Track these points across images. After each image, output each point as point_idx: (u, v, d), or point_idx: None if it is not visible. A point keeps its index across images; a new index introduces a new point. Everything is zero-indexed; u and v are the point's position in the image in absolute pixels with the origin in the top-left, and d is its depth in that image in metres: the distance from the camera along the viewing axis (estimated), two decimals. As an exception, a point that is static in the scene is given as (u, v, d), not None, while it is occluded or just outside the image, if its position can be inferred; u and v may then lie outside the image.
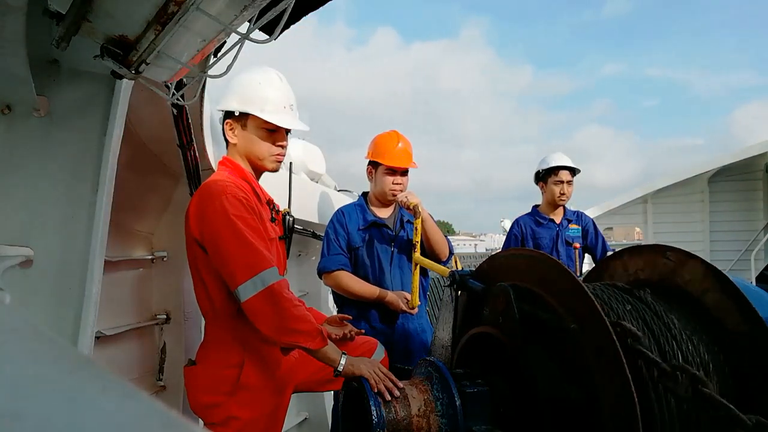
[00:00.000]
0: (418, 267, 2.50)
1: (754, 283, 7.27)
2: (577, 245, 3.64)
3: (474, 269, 1.75)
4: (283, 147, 1.90)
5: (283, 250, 2.01)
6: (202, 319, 1.89)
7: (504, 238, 4.20)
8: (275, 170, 1.95)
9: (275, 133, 1.87)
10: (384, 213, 2.87)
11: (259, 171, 1.93)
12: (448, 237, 2.89)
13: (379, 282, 2.73)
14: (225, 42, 1.32)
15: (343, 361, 1.65)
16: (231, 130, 1.87)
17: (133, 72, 1.22)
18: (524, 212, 3.92)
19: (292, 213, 2.31)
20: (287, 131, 1.91)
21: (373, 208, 2.87)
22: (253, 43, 1.16)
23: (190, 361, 1.83)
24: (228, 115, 1.87)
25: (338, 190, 4.50)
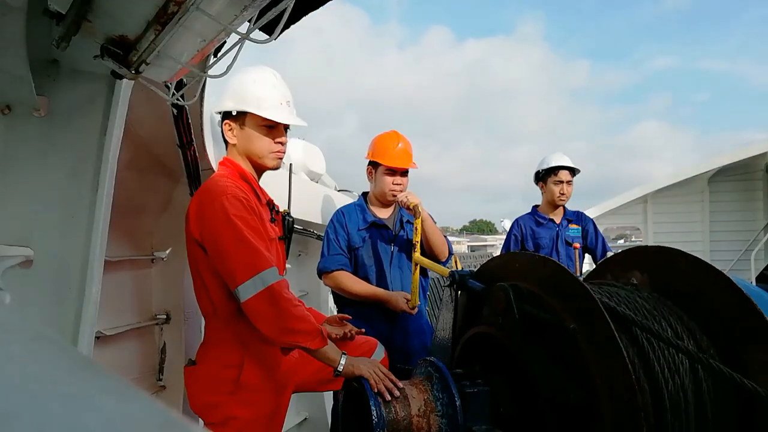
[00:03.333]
0: (418, 267, 2.50)
1: (754, 283, 7.27)
2: (577, 245, 3.64)
3: (475, 269, 1.75)
4: (282, 144, 1.91)
5: (282, 250, 2.01)
6: (202, 319, 1.89)
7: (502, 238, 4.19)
8: (276, 168, 1.95)
9: (274, 130, 1.87)
10: (384, 213, 2.87)
11: (260, 170, 1.94)
12: (447, 238, 2.89)
13: (379, 282, 2.73)
14: (225, 42, 1.32)
15: (343, 361, 1.65)
16: (230, 130, 1.88)
17: (133, 72, 1.22)
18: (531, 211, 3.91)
19: (292, 213, 2.31)
20: (286, 128, 1.91)
21: (372, 209, 2.87)
22: (253, 43, 1.16)
23: (190, 360, 1.83)
24: (226, 116, 1.88)
25: (338, 190, 4.50)
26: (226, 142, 1.91)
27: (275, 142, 1.88)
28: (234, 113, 1.85)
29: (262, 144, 1.86)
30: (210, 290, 1.75)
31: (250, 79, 1.86)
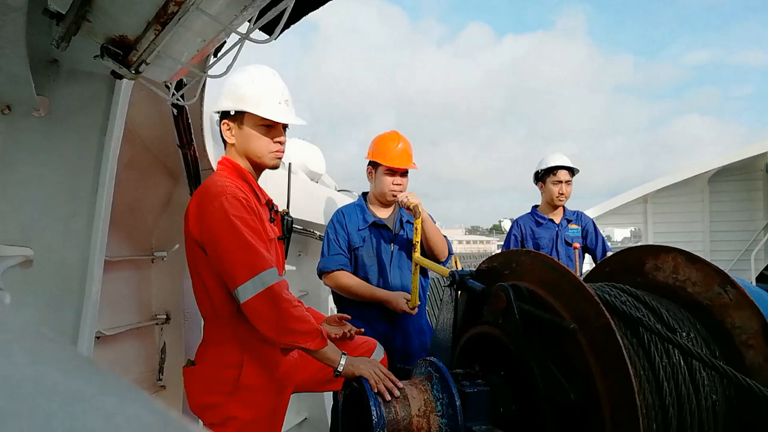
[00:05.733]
0: (418, 267, 2.50)
1: (754, 283, 7.27)
2: (577, 245, 3.64)
3: (474, 269, 1.75)
4: (281, 143, 1.89)
5: (281, 250, 2.00)
6: (202, 319, 1.89)
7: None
8: (275, 167, 1.94)
9: (272, 130, 1.86)
10: (384, 213, 2.87)
11: (259, 169, 1.93)
12: (447, 238, 2.89)
13: (379, 282, 2.73)
14: (225, 42, 1.32)
15: (343, 362, 1.65)
16: (228, 130, 1.87)
17: (133, 72, 1.22)
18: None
19: (292, 213, 2.30)
20: (284, 127, 1.91)
21: (372, 209, 2.87)
22: (253, 43, 1.16)
23: (189, 361, 1.83)
24: (224, 115, 1.87)
25: (338, 190, 4.50)
26: (224, 141, 1.91)
27: (274, 142, 1.87)
28: (232, 113, 1.84)
29: (261, 143, 1.85)
30: (210, 290, 1.75)
31: (248, 78, 1.85)
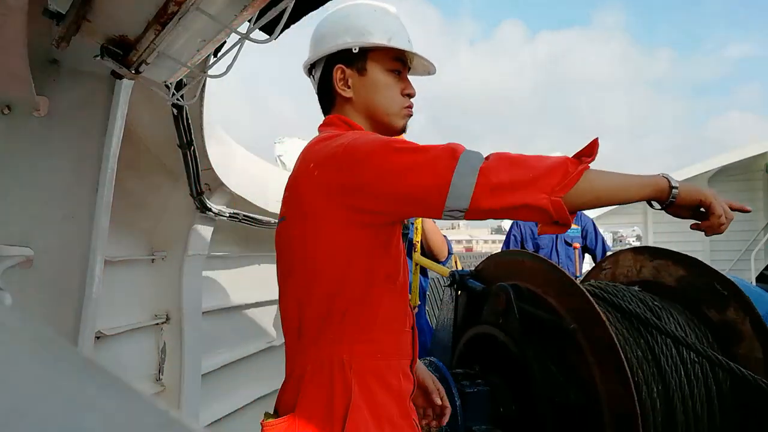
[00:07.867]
0: (418, 267, 2.50)
1: (754, 283, 7.27)
2: (577, 245, 3.64)
3: (474, 269, 1.75)
4: (411, 96, 1.36)
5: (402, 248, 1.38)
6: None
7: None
8: (403, 130, 1.39)
9: (400, 79, 1.34)
10: (384, 213, 2.87)
11: (383, 134, 1.31)
12: (447, 238, 2.89)
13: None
14: (225, 42, 1.32)
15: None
16: (343, 79, 1.31)
17: (133, 72, 1.22)
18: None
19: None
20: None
21: (373, 208, 2.87)
22: (253, 43, 1.16)
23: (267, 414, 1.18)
24: (334, 61, 1.33)
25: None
26: (333, 97, 1.35)
27: (403, 95, 1.34)
28: (355, 50, 1.28)
29: (391, 95, 1.32)
30: (323, 271, 1.14)
31: (371, 9, 1.36)
